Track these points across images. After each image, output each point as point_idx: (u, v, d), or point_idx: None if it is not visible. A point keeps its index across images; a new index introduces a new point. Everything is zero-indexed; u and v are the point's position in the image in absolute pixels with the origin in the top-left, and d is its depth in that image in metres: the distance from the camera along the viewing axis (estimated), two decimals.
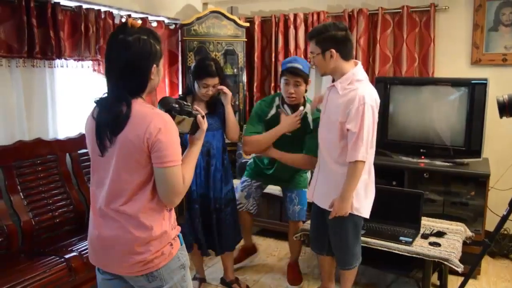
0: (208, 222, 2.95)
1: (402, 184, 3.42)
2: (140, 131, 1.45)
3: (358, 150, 2.27)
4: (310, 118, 2.92)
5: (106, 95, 1.56)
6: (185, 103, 1.69)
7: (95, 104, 1.58)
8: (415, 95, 3.52)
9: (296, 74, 2.76)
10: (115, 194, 1.54)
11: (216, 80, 2.80)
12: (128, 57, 1.48)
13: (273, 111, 2.97)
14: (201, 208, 2.91)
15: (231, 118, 2.85)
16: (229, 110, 2.84)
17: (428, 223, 3.16)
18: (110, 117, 1.49)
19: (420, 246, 2.80)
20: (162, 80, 4.28)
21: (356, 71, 2.38)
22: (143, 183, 1.53)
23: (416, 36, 3.79)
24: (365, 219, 2.54)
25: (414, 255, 2.76)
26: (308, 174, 3.22)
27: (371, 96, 2.32)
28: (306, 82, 2.83)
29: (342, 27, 2.37)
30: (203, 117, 1.72)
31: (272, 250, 3.80)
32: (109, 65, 1.55)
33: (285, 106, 2.92)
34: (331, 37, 2.33)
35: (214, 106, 2.91)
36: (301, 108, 2.88)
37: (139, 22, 1.55)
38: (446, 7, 3.69)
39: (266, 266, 3.54)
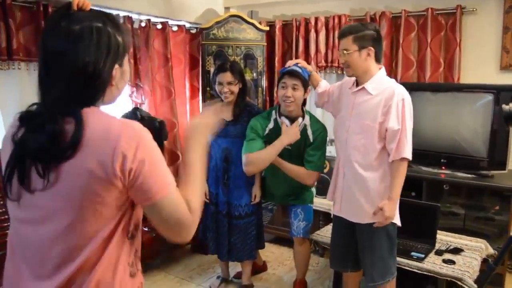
0: (219, 226, 3.03)
1: (421, 196, 3.24)
2: (104, 155, 0.99)
3: (403, 146, 2.22)
4: (309, 130, 2.79)
5: (36, 107, 1.07)
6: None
7: (17, 121, 1.07)
8: (437, 102, 3.33)
9: (294, 75, 2.64)
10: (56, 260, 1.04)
11: (228, 76, 2.88)
12: (75, 55, 1.02)
13: (271, 125, 2.84)
14: (215, 211, 3.04)
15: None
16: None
17: (445, 238, 2.97)
18: (42, 140, 1.00)
19: (432, 263, 2.64)
20: (182, 83, 4.31)
21: (383, 73, 2.37)
22: (107, 238, 1.05)
23: (442, 40, 3.59)
24: None
25: (424, 272, 2.60)
26: (314, 190, 3.09)
27: (407, 93, 2.30)
28: (305, 88, 2.69)
29: (378, 28, 2.36)
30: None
31: (284, 259, 3.71)
32: (44, 64, 1.06)
33: (283, 118, 2.78)
34: (370, 35, 2.29)
35: (238, 114, 2.94)
36: (300, 119, 2.76)
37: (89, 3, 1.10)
38: (474, 9, 3.48)
39: (275, 275, 3.45)
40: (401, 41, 3.69)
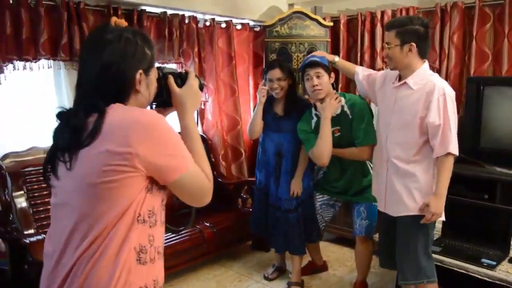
0: (268, 218, 3.16)
1: (494, 199, 3.00)
2: (122, 137, 1.10)
3: (448, 141, 2.18)
4: (347, 109, 2.79)
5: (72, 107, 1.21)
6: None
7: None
8: None
9: (314, 65, 2.72)
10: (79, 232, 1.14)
11: (277, 72, 2.99)
12: (104, 57, 1.15)
13: (314, 120, 2.90)
14: (266, 203, 3.17)
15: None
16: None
17: None
18: (66, 135, 1.14)
19: (505, 272, 2.45)
20: (246, 81, 4.35)
21: (426, 67, 2.33)
22: (116, 218, 1.12)
23: None
24: (443, 234, 2.34)
25: (496, 281, 2.41)
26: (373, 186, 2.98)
27: (449, 87, 2.26)
28: (328, 73, 2.75)
29: (425, 23, 2.30)
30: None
31: (345, 260, 3.62)
32: (81, 69, 1.22)
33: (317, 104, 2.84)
34: (414, 31, 2.26)
35: (290, 109, 3.04)
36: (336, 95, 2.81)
37: (125, 23, 1.26)
38: None
39: (335, 276, 3.38)
40: (474, 33, 3.45)
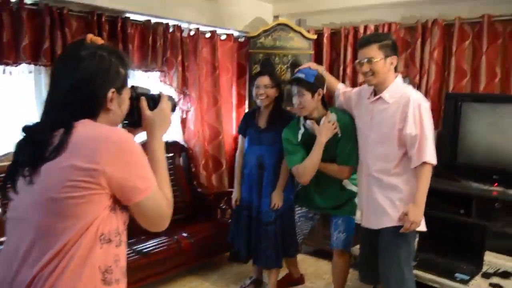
0: (250, 231, 3.11)
1: (470, 214, 3.04)
2: (88, 154, 1.08)
3: (424, 151, 2.21)
4: (338, 129, 2.70)
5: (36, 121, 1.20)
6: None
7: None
8: (491, 114, 3.13)
9: (297, 83, 2.66)
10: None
11: (266, 79, 3.00)
12: (76, 74, 1.15)
13: (302, 130, 2.80)
14: (248, 217, 3.12)
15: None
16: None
17: (495, 261, 2.77)
18: (29, 149, 1.12)
19: (477, 286, 2.46)
20: (229, 91, 4.36)
21: (399, 80, 2.38)
22: (76, 236, 1.09)
23: (499, 48, 3.37)
24: (419, 249, 2.42)
25: None
26: (357, 200, 2.97)
27: (423, 98, 2.32)
28: (312, 91, 2.62)
29: (393, 38, 2.40)
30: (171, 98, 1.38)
31: (322, 273, 3.60)
32: (53, 82, 1.23)
33: (307, 121, 2.73)
34: (393, 45, 2.34)
35: (272, 122, 3.03)
36: (328, 113, 2.71)
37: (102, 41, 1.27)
38: None
39: None
40: (454, 50, 3.51)
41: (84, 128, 1.12)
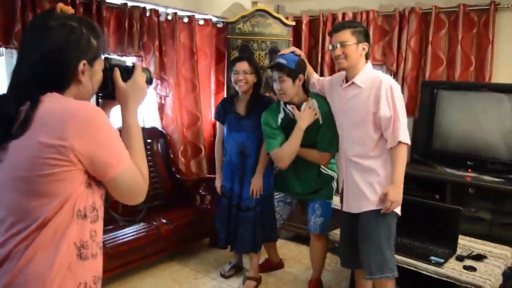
0: (232, 219, 3.11)
1: (445, 199, 3.12)
2: (56, 129, 1.04)
3: (398, 131, 2.27)
4: (319, 116, 2.73)
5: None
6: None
7: None
8: (465, 102, 3.21)
9: (277, 69, 2.67)
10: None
11: (245, 65, 2.97)
12: (45, 44, 1.10)
13: (281, 115, 2.82)
14: (228, 205, 3.12)
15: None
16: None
17: (468, 244, 2.85)
18: None
19: (451, 269, 2.54)
20: (208, 77, 4.32)
21: (370, 66, 2.44)
22: (52, 212, 1.07)
23: (473, 37, 3.44)
24: (395, 233, 2.42)
25: (443, 278, 2.50)
26: (334, 185, 3.02)
27: (394, 81, 2.39)
28: (293, 76, 2.64)
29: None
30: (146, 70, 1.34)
31: (301, 258, 3.65)
32: (20, 54, 1.16)
33: (288, 106, 2.76)
34: (366, 32, 2.41)
35: (252, 108, 3.00)
36: (309, 99, 2.74)
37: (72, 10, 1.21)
38: (509, 5, 3.30)
39: (291, 274, 3.41)
40: (430, 39, 3.56)
41: (50, 103, 1.07)
